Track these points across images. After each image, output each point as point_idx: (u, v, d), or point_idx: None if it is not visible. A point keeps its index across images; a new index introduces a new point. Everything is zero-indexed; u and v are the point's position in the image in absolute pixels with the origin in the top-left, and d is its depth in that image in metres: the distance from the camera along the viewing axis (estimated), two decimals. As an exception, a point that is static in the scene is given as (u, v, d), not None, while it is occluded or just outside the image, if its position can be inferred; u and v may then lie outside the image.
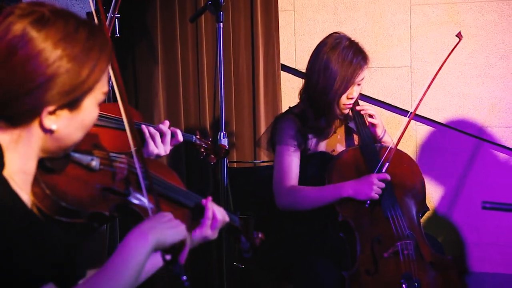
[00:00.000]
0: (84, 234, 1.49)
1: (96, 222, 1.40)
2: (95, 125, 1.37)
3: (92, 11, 2.78)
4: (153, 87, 3.36)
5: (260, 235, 1.85)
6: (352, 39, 2.70)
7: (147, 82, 3.37)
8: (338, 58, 2.61)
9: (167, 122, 2.33)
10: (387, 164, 2.57)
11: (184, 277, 1.34)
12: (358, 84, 2.68)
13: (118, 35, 2.45)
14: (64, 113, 1.27)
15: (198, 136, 2.47)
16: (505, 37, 3.61)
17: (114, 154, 1.49)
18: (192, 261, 3.44)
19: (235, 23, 3.65)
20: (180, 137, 2.32)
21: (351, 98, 2.68)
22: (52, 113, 1.25)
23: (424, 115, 3.73)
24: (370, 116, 2.77)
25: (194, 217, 1.64)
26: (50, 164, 1.33)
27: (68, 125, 1.28)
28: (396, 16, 3.75)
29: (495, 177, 3.69)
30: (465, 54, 3.66)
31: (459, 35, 2.74)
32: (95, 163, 1.41)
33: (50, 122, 1.26)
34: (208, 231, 1.66)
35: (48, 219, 1.32)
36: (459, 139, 3.72)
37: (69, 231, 1.37)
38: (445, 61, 2.70)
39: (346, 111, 2.74)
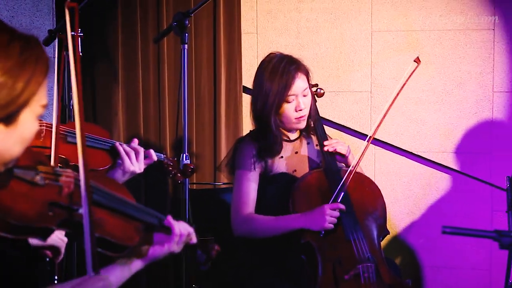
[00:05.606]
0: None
1: (43, 237, 1.39)
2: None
3: (53, 28, 2.77)
4: (113, 106, 3.32)
5: (216, 247, 1.88)
6: (286, 53, 2.72)
7: (106, 101, 3.33)
8: (270, 73, 2.65)
9: (136, 140, 2.40)
10: (342, 193, 2.59)
11: None
12: (304, 95, 2.67)
13: (81, 53, 2.43)
14: (0, 128, 1.24)
15: (165, 155, 2.53)
16: (461, 65, 3.70)
17: (59, 169, 1.48)
18: (150, 283, 3.38)
19: (197, 44, 3.65)
20: (154, 157, 2.41)
21: (300, 110, 2.67)
22: None
23: (383, 140, 3.78)
24: (340, 154, 2.75)
25: (149, 230, 1.64)
26: None
27: (5, 139, 1.25)
28: (357, 42, 3.81)
29: (450, 201, 3.76)
30: (423, 81, 3.73)
31: (417, 60, 2.72)
32: (39, 177, 1.39)
33: None
34: (175, 247, 1.69)
35: None
36: (416, 164, 3.79)
37: (14, 248, 1.38)
38: (403, 85, 2.69)
39: (300, 125, 2.73)
